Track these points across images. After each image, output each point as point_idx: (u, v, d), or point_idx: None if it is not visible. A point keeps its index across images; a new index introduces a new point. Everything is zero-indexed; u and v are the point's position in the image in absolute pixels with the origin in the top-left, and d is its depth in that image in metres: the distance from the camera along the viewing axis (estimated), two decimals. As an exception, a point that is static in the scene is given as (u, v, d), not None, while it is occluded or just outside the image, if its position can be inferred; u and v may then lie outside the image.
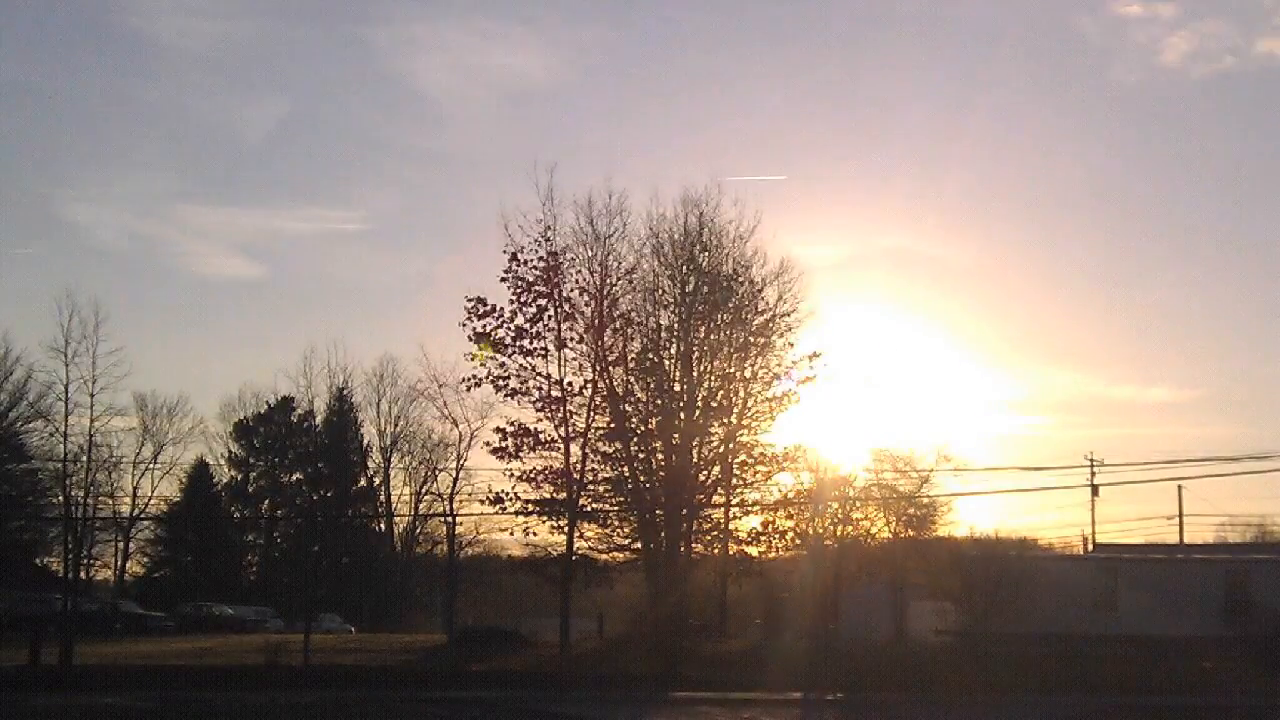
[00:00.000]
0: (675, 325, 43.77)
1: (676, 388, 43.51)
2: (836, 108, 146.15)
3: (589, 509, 44.82)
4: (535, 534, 43.86)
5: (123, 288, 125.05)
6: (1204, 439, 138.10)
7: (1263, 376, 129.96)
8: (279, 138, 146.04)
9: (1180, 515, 65.91)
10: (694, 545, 45.01)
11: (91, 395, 38.38)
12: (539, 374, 41.13)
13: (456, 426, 46.92)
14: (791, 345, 44.52)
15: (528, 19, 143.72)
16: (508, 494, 42.60)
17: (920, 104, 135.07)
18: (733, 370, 44.20)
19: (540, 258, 40.55)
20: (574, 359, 41.49)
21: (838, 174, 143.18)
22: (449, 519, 53.05)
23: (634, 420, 43.86)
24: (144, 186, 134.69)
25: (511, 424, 42.00)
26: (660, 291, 43.82)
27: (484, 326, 41.09)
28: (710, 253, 44.15)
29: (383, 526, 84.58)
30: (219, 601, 68.53)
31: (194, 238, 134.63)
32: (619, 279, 41.92)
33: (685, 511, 42.91)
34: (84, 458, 40.26)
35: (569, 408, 41.32)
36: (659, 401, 43.70)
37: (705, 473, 44.18)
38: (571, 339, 41.20)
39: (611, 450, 44.24)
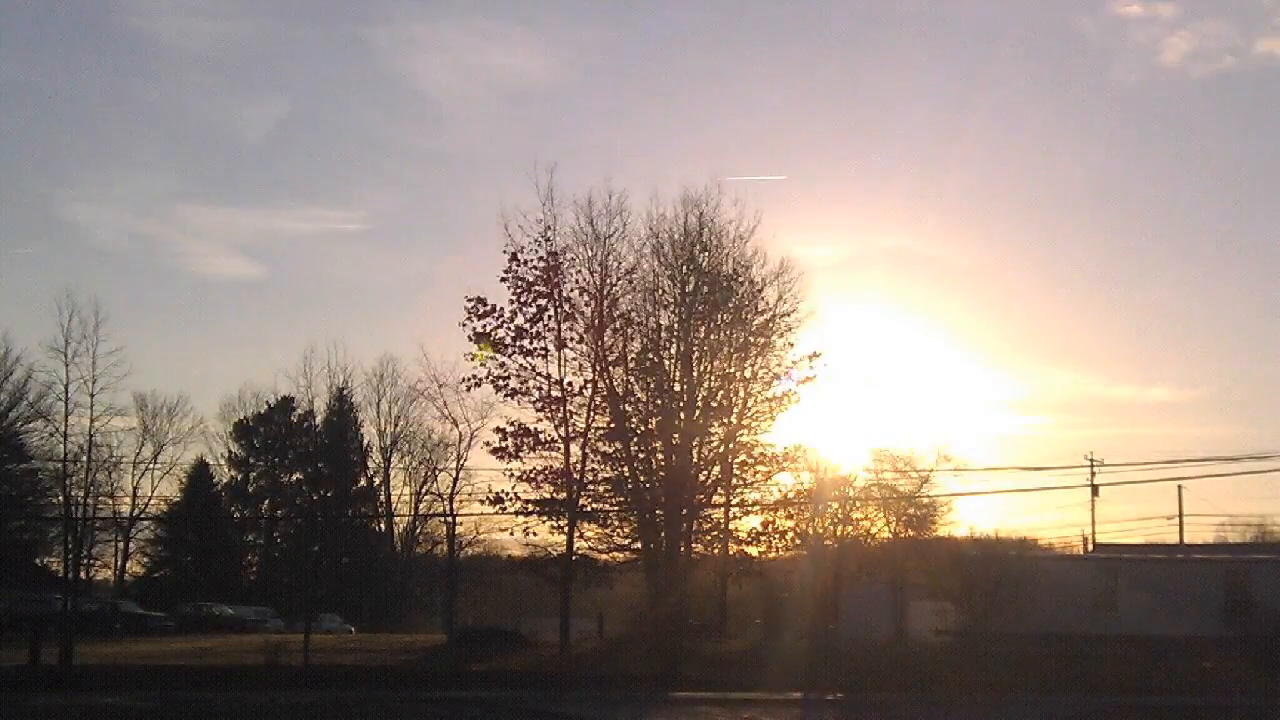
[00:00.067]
0: (675, 325, 43.77)
1: (676, 388, 43.51)
2: (836, 108, 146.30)
3: (589, 509, 44.82)
4: (535, 534, 43.96)
5: (123, 288, 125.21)
6: (1204, 439, 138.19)
7: (1263, 376, 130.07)
8: (279, 138, 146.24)
9: (1180, 515, 65.97)
10: (694, 545, 45.00)
11: (91, 395, 38.43)
12: (539, 374, 41.20)
13: (456, 426, 47.07)
14: (791, 345, 44.58)
15: (528, 19, 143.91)
16: (508, 494, 42.68)
17: (920, 104, 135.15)
18: (733, 370, 44.21)
19: (540, 258, 40.60)
20: (574, 359, 41.59)
21: (838, 174, 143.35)
22: (449, 519, 53.14)
23: (634, 420, 43.86)
24: (144, 186, 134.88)
25: (511, 424, 42.08)
26: (660, 291, 43.85)
27: (484, 326, 41.13)
28: (710, 253, 44.16)
29: (383, 526, 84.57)
30: (219, 601, 68.52)
31: (194, 238, 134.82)
32: (619, 279, 41.98)
33: (685, 511, 42.91)
34: (84, 458, 40.28)
35: (569, 408, 41.37)
36: (659, 401, 43.69)
37: (705, 473, 44.18)
38: (571, 339, 41.27)
39: (611, 450, 44.25)
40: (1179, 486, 65.10)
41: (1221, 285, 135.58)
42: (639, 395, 44.00)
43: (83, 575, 56.31)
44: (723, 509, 46.28)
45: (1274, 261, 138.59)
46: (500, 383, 41.39)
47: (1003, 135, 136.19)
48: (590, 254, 41.21)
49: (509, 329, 40.96)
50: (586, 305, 41.14)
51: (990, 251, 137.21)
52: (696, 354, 43.65)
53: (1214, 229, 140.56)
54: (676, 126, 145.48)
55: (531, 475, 42.09)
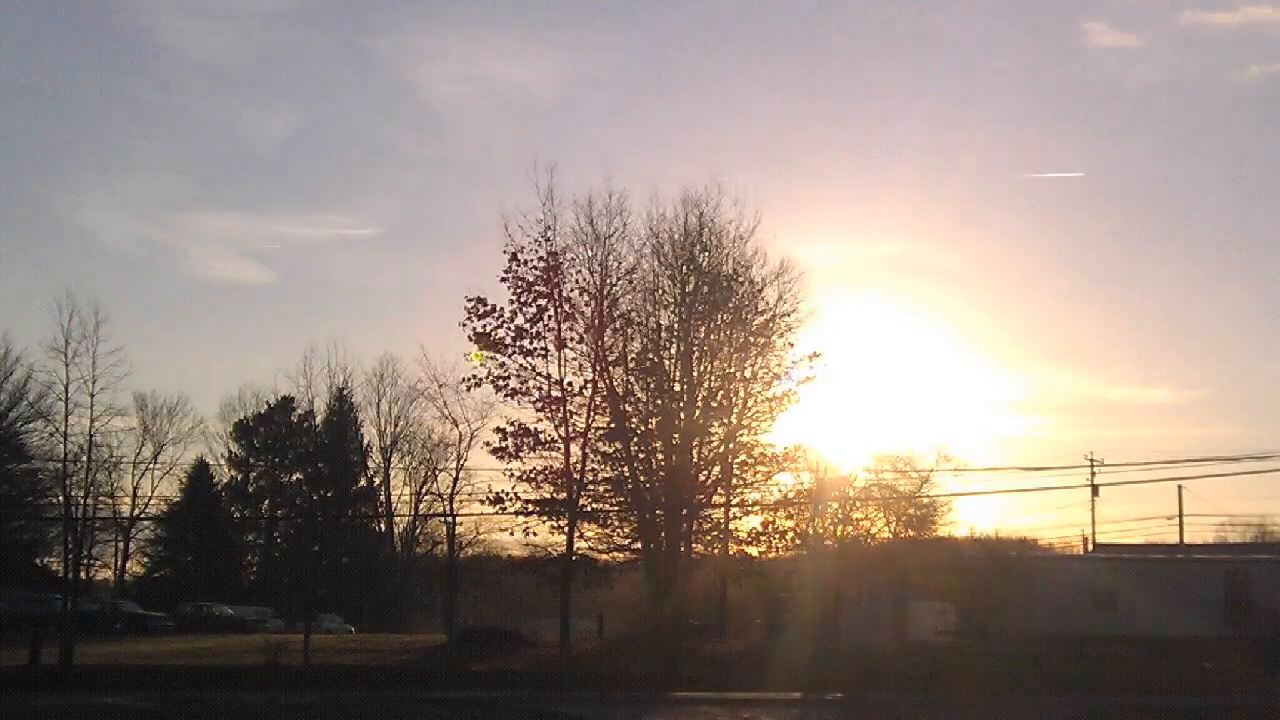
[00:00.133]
0: (675, 325, 43.73)
1: (676, 388, 43.47)
2: (837, 108, 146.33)
3: (589, 509, 44.81)
4: (535, 534, 43.91)
5: (125, 290, 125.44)
6: (1204, 439, 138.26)
7: (1263, 376, 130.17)
8: (285, 144, 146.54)
9: (1180, 515, 65.95)
10: (694, 545, 44.94)
11: (91, 395, 38.31)
12: (539, 374, 41.22)
13: (456, 426, 46.80)
14: (791, 345, 44.48)
15: (529, 23, 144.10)
16: (508, 494, 42.63)
17: (920, 103, 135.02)
18: (733, 370, 44.16)
19: (540, 258, 40.61)
20: (574, 359, 41.60)
21: (838, 174, 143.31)
22: (449, 519, 52.94)
23: (634, 420, 43.83)
24: (149, 190, 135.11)
25: (511, 424, 42.05)
26: (660, 291, 43.80)
27: (484, 326, 41.13)
28: (710, 253, 44.11)
29: (383, 526, 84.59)
30: (219, 601, 68.52)
31: (198, 242, 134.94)
32: (619, 279, 41.98)
33: (685, 511, 42.87)
34: (84, 458, 40.17)
35: (569, 408, 41.39)
36: (659, 401, 43.66)
37: (705, 473, 44.14)
38: (571, 339, 41.27)
39: (611, 450, 44.22)
40: (1179, 486, 65.18)
41: (1221, 285, 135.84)
42: (639, 395, 43.98)
43: (83, 575, 56.32)
44: (723, 509, 46.26)
45: (1274, 261, 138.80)
46: (500, 383, 41.41)
47: (1003, 135, 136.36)
48: (590, 254, 41.29)
49: (509, 329, 40.99)
50: (586, 305, 41.18)
51: (990, 251, 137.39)
52: (696, 354, 43.62)
53: (1214, 229, 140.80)
54: (676, 126, 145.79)
55: (531, 475, 42.10)
